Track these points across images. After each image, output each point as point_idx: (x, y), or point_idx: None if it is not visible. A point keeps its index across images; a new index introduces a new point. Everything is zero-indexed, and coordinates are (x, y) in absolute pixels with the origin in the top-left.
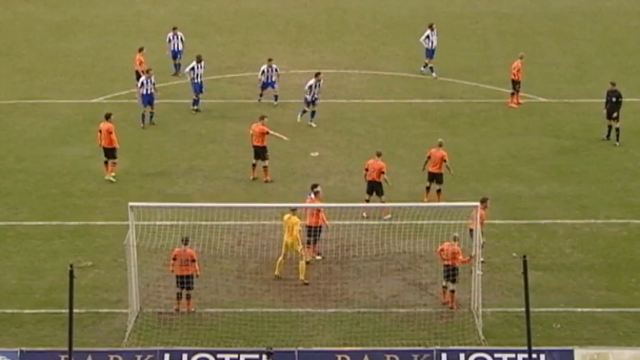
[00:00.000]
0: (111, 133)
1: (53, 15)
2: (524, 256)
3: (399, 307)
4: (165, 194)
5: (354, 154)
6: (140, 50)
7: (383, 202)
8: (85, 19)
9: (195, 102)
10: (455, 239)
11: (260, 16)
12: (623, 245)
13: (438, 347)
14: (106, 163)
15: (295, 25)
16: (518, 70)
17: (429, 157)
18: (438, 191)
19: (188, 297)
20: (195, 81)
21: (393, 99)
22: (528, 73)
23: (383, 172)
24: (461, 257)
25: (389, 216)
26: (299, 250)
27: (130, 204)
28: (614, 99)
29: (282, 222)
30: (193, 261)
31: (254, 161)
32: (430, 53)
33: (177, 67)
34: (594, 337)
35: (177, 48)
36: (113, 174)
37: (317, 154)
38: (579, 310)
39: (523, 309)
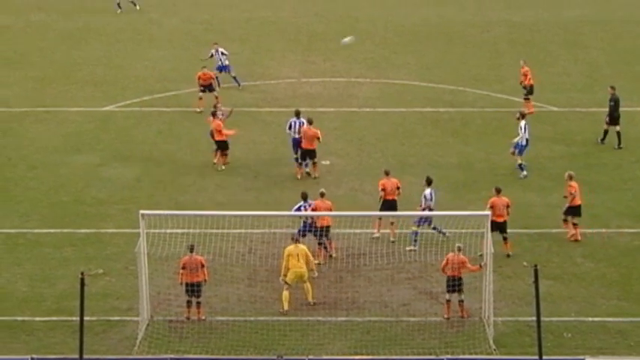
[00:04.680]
0: (219, 130)
1: (65, 23)
2: (536, 265)
3: (410, 315)
4: (176, 202)
5: (365, 162)
6: (203, 68)
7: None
8: (97, 28)
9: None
10: (459, 249)
11: (271, 24)
12: (634, 255)
13: (449, 356)
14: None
15: (306, 33)
16: (524, 74)
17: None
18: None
19: (198, 304)
20: (295, 136)
21: (404, 107)
22: (539, 81)
23: (399, 188)
24: (469, 266)
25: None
26: (309, 277)
27: (141, 212)
28: (612, 103)
29: (283, 255)
30: (203, 266)
31: (300, 161)
32: (520, 148)
33: (234, 79)
34: (605, 347)
35: (223, 64)
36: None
37: (328, 162)
38: (590, 319)
39: (534, 318)
